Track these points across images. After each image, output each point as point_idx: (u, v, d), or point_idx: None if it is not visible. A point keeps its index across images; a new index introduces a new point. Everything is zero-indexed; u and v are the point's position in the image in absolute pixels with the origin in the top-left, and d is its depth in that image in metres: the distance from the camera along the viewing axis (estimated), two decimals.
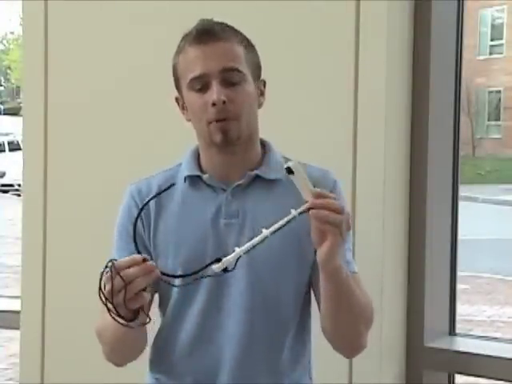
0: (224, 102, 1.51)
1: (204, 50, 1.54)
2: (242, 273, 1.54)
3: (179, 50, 1.59)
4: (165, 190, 1.52)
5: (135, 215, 1.51)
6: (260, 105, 1.61)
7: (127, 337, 1.49)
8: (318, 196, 1.37)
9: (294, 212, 1.36)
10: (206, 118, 1.54)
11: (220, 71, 1.53)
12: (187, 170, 1.62)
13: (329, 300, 1.50)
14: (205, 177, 1.60)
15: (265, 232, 1.37)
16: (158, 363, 1.65)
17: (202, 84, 1.54)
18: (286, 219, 1.37)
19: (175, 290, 1.58)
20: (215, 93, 1.51)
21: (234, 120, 1.53)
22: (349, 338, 1.58)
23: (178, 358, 1.60)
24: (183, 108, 1.63)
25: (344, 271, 1.46)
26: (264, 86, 1.63)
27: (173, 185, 1.55)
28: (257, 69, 1.61)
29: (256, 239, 1.37)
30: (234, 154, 1.58)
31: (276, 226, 1.37)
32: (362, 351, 1.61)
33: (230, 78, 1.53)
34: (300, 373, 1.63)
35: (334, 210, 1.36)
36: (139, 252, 1.41)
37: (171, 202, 1.60)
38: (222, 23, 1.58)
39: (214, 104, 1.52)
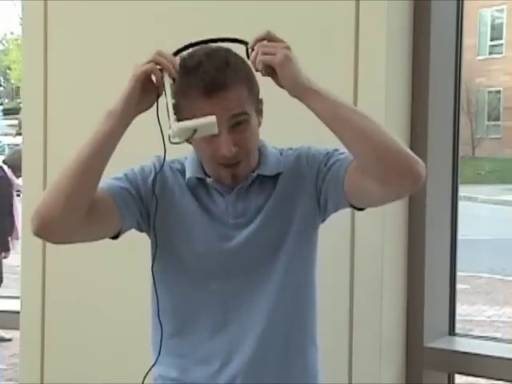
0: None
1: (212, 103, 1.52)
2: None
3: (181, 91, 1.56)
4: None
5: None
6: (259, 124, 1.63)
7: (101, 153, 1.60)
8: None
9: None
10: (216, 161, 1.57)
11: (228, 118, 1.53)
12: (191, 171, 1.65)
13: (332, 126, 1.54)
14: (209, 181, 1.63)
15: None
16: (175, 348, 1.65)
17: None
18: None
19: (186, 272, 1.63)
20: (224, 145, 1.53)
21: (243, 161, 1.58)
22: (389, 161, 1.45)
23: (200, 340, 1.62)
24: None
25: (324, 92, 1.54)
26: (261, 104, 1.64)
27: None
28: (257, 99, 1.62)
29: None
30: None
31: None
32: (420, 177, 1.46)
33: (236, 122, 1.55)
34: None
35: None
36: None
37: (176, 182, 1.65)
38: (224, 68, 1.54)
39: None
